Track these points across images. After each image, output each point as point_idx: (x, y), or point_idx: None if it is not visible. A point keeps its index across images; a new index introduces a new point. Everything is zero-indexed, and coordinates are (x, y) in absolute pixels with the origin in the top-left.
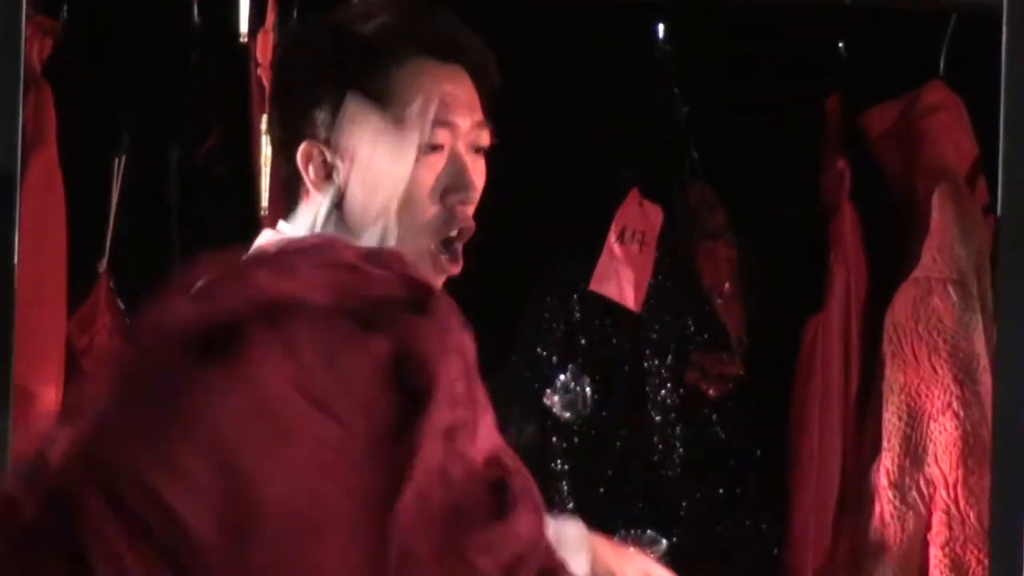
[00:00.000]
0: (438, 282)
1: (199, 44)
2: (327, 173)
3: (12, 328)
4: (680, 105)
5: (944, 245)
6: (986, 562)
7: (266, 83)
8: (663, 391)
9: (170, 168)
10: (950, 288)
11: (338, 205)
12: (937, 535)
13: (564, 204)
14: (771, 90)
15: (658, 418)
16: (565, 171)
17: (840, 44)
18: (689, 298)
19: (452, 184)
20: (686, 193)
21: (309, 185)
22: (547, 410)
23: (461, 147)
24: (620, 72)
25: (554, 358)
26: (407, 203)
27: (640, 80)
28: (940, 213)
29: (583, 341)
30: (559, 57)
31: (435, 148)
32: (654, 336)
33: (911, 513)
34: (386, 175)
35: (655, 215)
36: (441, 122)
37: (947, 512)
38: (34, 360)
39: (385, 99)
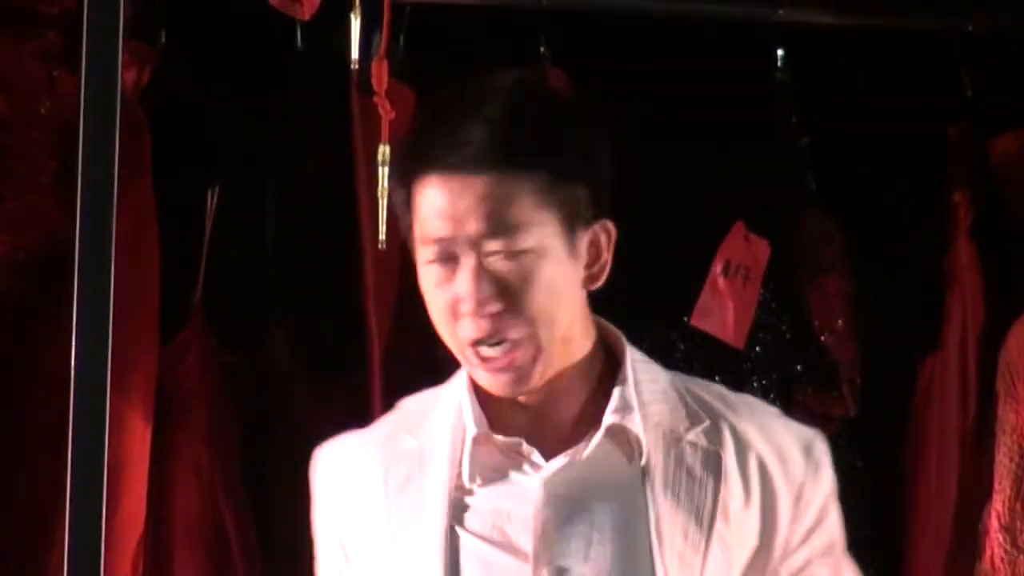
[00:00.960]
0: (486, 380)
1: (302, 70)
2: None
3: (107, 359)
4: (799, 135)
5: None
6: None
7: (382, 112)
8: None
9: (268, 198)
10: None
11: None
12: None
13: (670, 237)
14: (892, 120)
15: None
16: (672, 202)
17: (964, 71)
18: (797, 335)
19: (461, 296)
20: (802, 225)
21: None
22: None
23: (472, 257)
24: (735, 101)
25: None
26: (434, 313)
27: (754, 108)
28: None
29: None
30: (675, 87)
31: (446, 261)
32: (758, 374)
33: (1022, 557)
34: (423, 286)
35: (761, 249)
36: (441, 237)
37: None
38: (125, 392)
39: (408, 218)
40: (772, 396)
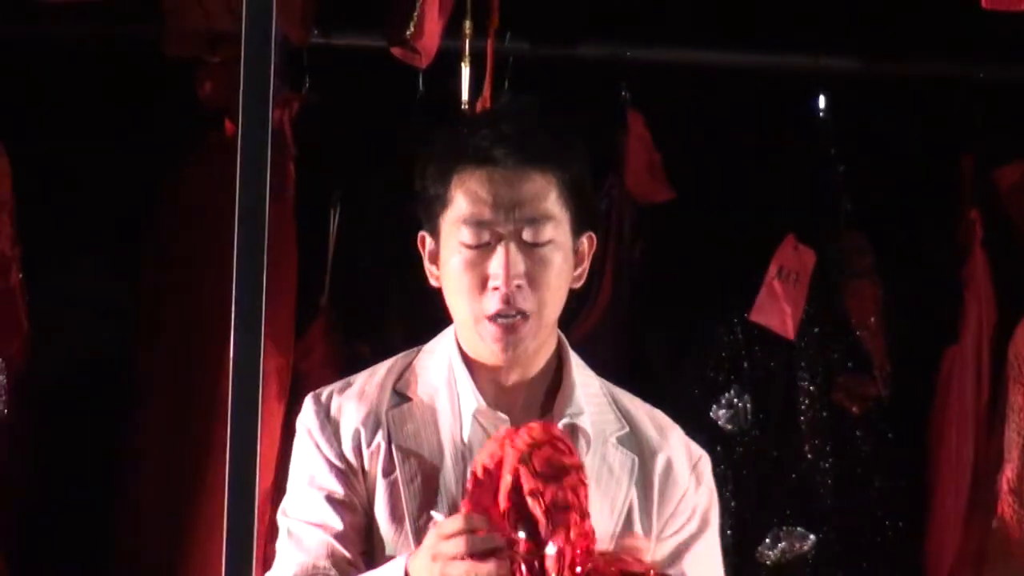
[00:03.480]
0: (501, 341)
1: (421, 110)
2: (431, 259)
3: (260, 352)
4: (837, 164)
5: None
6: None
7: None
8: (813, 409)
9: (389, 217)
10: None
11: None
12: None
13: (731, 248)
14: (915, 150)
15: (808, 431)
16: (733, 219)
17: (974, 111)
18: (836, 329)
19: (492, 273)
20: (840, 238)
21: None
22: (713, 423)
23: (509, 243)
24: (783, 136)
25: (720, 378)
26: (460, 288)
27: (799, 142)
28: None
29: (745, 364)
30: (738, 125)
31: (481, 245)
32: (805, 361)
33: None
34: (448, 266)
35: (808, 257)
36: (480, 220)
37: None
38: (266, 380)
39: (445, 201)
40: (818, 379)
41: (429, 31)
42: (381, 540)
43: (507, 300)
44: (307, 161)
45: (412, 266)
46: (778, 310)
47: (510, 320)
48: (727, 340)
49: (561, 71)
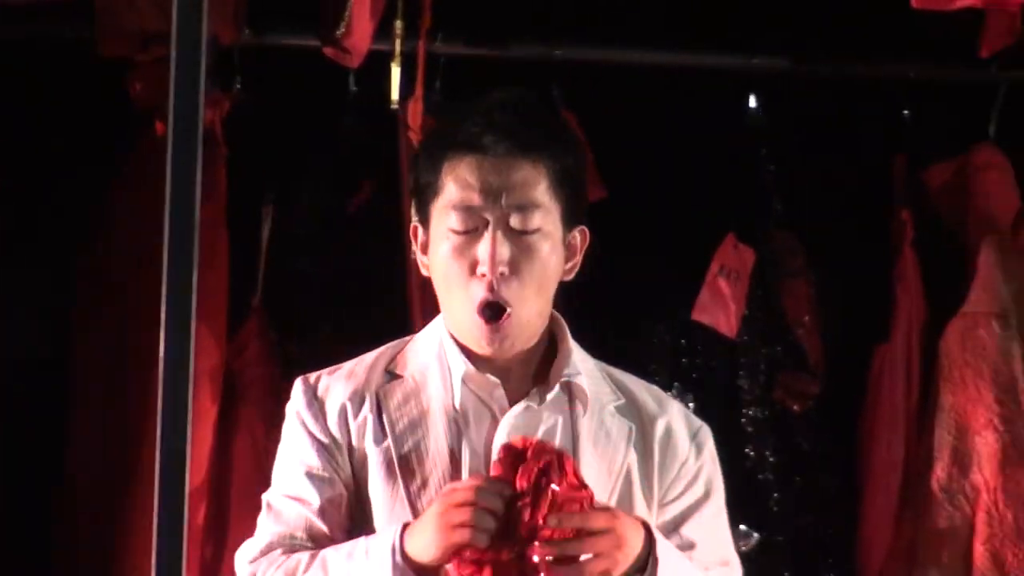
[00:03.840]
0: (487, 338)
1: (353, 109)
2: (423, 249)
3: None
4: (767, 164)
5: (989, 284)
6: (1021, 556)
7: (415, 142)
8: (754, 407)
9: (322, 217)
10: (993, 322)
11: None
12: (980, 532)
13: (672, 245)
14: (846, 151)
15: (750, 429)
16: (669, 219)
17: (905, 112)
18: (776, 327)
19: (480, 259)
20: (771, 239)
21: (417, 261)
22: None
23: (496, 229)
24: (716, 136)
25: (661, 378)
26: (448, 275)
27: (733, 143)
28: (986, 257)
29: (686, 363)
30: (671, 124)
31: (469, 231)
32: (746, 359)
33: (959, 514)
34: (437, 254)
35: (748, 256)
36: (469, 206)
37: (988, 513)
38: (199, 380)
39: (436, 189)
40: (759, 378)
41: (360, 31)
42: (370, 514)
43: (492, 288)
44: (239, 161)
45: (344, 265)
46: (720, 309)
47: (496, 322)
48: (668, 340)
49: (493, 71)
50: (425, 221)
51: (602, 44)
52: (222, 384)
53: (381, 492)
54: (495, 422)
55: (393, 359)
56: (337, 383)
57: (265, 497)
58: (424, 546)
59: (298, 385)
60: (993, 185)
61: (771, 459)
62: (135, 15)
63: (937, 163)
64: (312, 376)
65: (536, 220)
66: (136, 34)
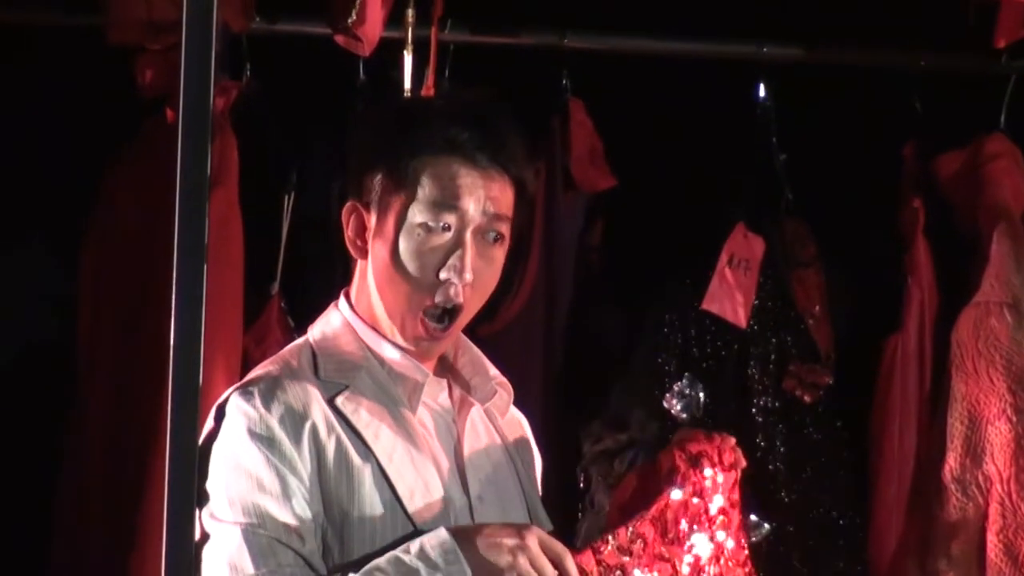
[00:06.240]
0: (425, 339)
1: (363, 97)
2: (361, 233)
3: (201, 342)
4: (777, 153)
5: (1001, 274)
6: None
7: None
8: (765, 397)
9: (335, 204)
10: (1005, 311)
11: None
12: (993, 523)
13: (682, 235)
14: (857, 140)
15: (760, 419)
16: (679, 207)
17: (916, 100)
18: (786, 317)
19: (449, 264)
20: (782, 228)
21: (347, 242)
22: (666, 412)
23: (471, 237)
24: (727, 124)
25: (672, 367)
26: (404, 270)
27: (743, 132)
28: (998, 246)
29: (697, 353)
30: (681, 113)
31: (436, 232)
32: (757, 349)
33: (971, 504)
34: (392, 245)
35: (758, 245)
36: (447, 206)
37: (1001, 503)
38: (214, 368)
39: (407, 181)
40: (770, 368)
41: (371, 19)
42: (344, 534)
43: (454, 294)
44: (251, 149)
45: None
46: (730, 298)
47: (445, 325)
48: (677, 330)
49: (503, 59)
50: (382, 208)
51: (612, 32)
52: (240, 372)
53: (373, 507)
54: (438, 408)
55: (315, 365)
56: (287, 404)
57: (228, 530)
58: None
59: (243, 410)
60: (1004, 174)
61: (782, 449)
62: (145, 3)
63: (948, 152)
64: (256, 402)
65: (503, 231)
66: (146, 22)
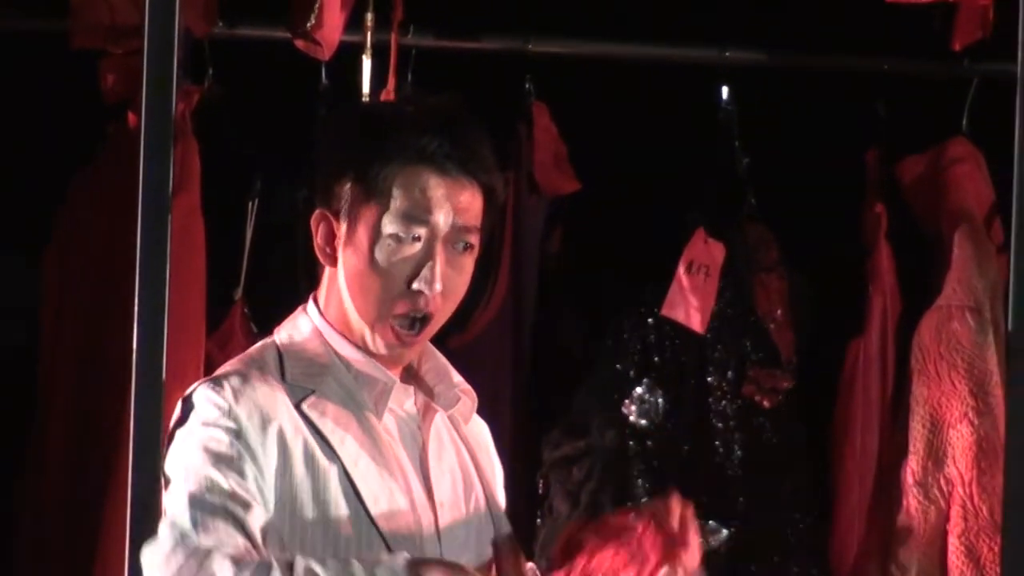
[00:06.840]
0: (397, 345)
1: (326, 102)
2: (331, 240)
3: (163, 347)
4: (740, 157)
5: (963, 277)
6: (996, 549)
7: None
8: (724, 402)
9: (298, 209)
10: (968, 315)
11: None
12: (955, 526)
13: (640, 241)
14: (819, 144)
15: (719, 425)
16: (641, 213)
17: (878, 105)
18: (746, 322)
19: (420, 275)
20: (745, 233)
21: (316, 250)
22: (625, 418)
23: (442, 248)
24: (690, 129)
25: (631, 373)
26: (375, 279)
27: (706, 136)
28: (960, 249)
29: (656, 359)
30: (644, 117)
31: (407, 242)
32: (716, 355)
33: (933, 507)
34: (363, 254)
35: (718, 251)
36: (418, 219)
37: (963, 506)
38: (176, 374)
39: (377, 190)
40: (729, 373)
41: (330, 23)
42: (308, 533)
43: (425, 304)
44: (213, 154)
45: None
46: (689, 304)
47: (413, 333)
48: (637, 335)
49: (466, 64)
50: (351, 217)
51: (575, 36)
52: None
53: (338, 510)
54: (403, 415)
55: (281, 368)
56: (249, 398)
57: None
58: None
59: (213, 395)
60: (966, 178)
61: (740, 454)
62: (108, 8)
63: (910, 156)
64: (222, 406)
65: (473, 241)
66: (109, 26)
